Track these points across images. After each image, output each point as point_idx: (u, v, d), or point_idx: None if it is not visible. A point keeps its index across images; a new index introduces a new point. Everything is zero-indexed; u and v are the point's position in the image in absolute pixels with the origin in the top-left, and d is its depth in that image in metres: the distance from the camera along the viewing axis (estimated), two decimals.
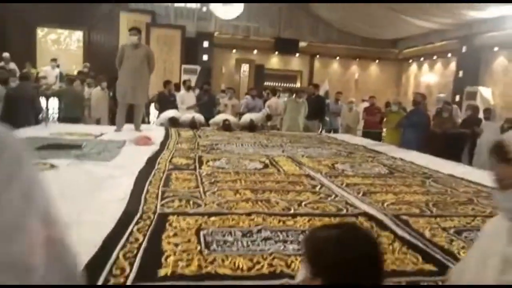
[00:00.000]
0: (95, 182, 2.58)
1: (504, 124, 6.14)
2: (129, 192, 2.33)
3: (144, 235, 1.68)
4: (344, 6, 12.20)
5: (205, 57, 13.17)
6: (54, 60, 9.88)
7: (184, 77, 10.77)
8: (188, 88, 8.12)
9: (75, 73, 10.64)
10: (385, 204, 2.38)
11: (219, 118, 6.78)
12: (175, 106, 7.52)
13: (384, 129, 8.15)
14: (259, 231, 1.79)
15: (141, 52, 5.34)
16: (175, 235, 1.70)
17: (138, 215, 1.93)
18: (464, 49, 11.62)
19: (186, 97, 7.89)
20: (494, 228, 0.90)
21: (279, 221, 1.95)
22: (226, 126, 6.35)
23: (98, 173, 2.83)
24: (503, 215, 0.84)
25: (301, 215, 2.07)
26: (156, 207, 2.08)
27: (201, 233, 1.74)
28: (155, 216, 1.92)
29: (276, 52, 14.89)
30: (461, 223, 2.06)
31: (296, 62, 15.61)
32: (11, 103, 5.57)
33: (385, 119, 7.92)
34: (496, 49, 11.04)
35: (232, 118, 6.81)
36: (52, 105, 7.60)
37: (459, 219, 2.13)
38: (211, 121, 6.78)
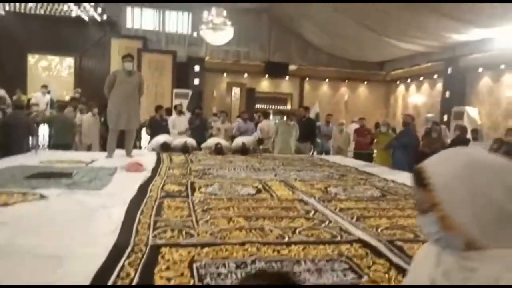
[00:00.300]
0: (86, 212, 2.54)
1: (493, 145, 6.24)
2: (121, 223, 2.30)
3: (136, 270, 1.64)
4: (332, 29, 12.52)
5: (196, 81, 13.30)
6: (44, 86, 9.89)
7: (176, 101, 10.84)
8: (180, 113, 8.15)
9: (66, 99, 10.64)
10: (379, 230, 2.38)
11: (211, 142, 6.79)
12: (166, 131, 7.52)
13: (375, 150, 8.21)
14: (253, 261, 1.77)
15: (135, 79, 5.42)
16: (167, 268, 1.67)
17: (130, 247, 1.89)
18: (449, 70, 11.93)
19: (177, 122, 7.91)
20: (424, 253, 0.95)
21: (274, 250, 1.93)
22: (218, 150, 6.35)
23: (89, 203, 2.79)
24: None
25: (296, 243, 2.05)
26: (148, 238, 2.04)
27: (194, 265, 1.71)
28: (147, 249, 1.88)
29: (267, 76, 15.11)
30: None
31: (286, 85, 15.83)
32: (5, 130, 5.59)
33: (375, 140, 8.00)
34: (480, 70, 11.36)
35: (224, 142, 6.82)
36: (42, 132, 7.53)
37: None
38: (203, 145, 6.78)
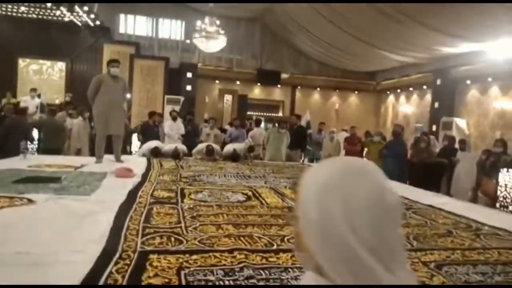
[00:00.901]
0: (74, 218, 2.52)
1: (482, 156, 6.35)
2: (109, 229, 2.28)
3: (123, 277, 1.64)
4: (325, 40, 12.67)
5: (188, 87, 13.32)
6: (33, 90, 9.81)
7: (168, 107, 10.83)
8: (174, 119, 8.15)
9: (57, 102, 10.57)
10: None
11: (201, 145, 6.80)
12: (158, 137, 7.51)
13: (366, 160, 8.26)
14: (241, 269, 1.77)
15: (121, 84, 5.44)
16: (155, 275, 1.67)
17: (118, 254, 1.88)
18: (438, 81, 12.13)
19: (173, 127, 7.93)
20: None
21: (262, 257, 1.94)
22: (209, 151, 6.35)
23: (77, 208, 2.76)
24: None
25: (284, 251, 2.06)
26: (136, 244, 2.04)
27: (182, 272, 1.71)
28: (135, 255, 1.88)
29: (259, 83, 15.19)
30: (441, 257, 2.09)
31: (278, 93, 15.92)
32: (6, 135, 5.86)
33: (366, 150, 8.07)
34: (468, 82, 11.58)
35: (214, 145, 6.83)
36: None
37: (439, 253, 2.16)
38: (194, 150, 6.78)
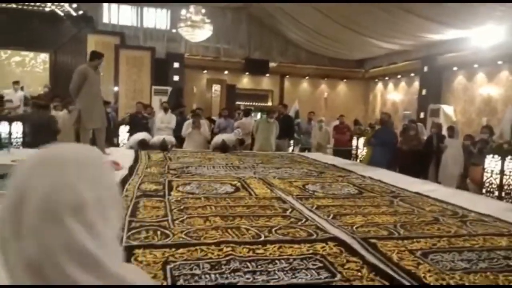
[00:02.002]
0: None
1: (464, 142, 6.42)
2: None
3: None
4: (313, 28, 12.60)
5: (176, 78, 13.15)
6: (16, 82, 9.56)
7: (155, 98, 10.70)
8: (166, 110, 8.03)
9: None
10: (354, 227, 2.41)
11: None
12: (146, 129, 7.43)
13: (364, 148, 8.24)
14: (227, 262, 1.76)
15: (99, 76, 5.40)
16: None
17: None
18: (425, 68, 12.18)
19: (164, 120, 7.83)
20: None
21: (249, 250, 1.92)
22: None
23: None
24: None
25: (271, 242, 2.05)
26: (121, 239, 2.00)
27: (168, 267, 1.69)
28: None
29: (247, 73, 15.08)
30: (427, 245, 2.10)
31: (267, 82, 15.84)
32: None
33: (365, 139, 8.07)
34: (455, 68, 11.64)
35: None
36: (15, 130, 7.28)
37: (426, 241, 2.17)
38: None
